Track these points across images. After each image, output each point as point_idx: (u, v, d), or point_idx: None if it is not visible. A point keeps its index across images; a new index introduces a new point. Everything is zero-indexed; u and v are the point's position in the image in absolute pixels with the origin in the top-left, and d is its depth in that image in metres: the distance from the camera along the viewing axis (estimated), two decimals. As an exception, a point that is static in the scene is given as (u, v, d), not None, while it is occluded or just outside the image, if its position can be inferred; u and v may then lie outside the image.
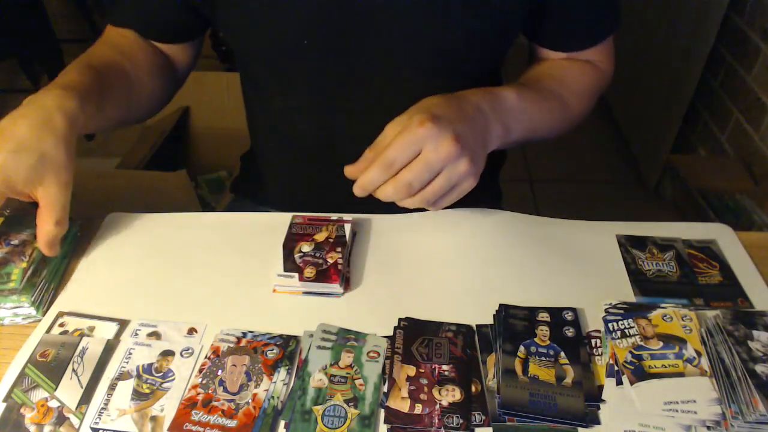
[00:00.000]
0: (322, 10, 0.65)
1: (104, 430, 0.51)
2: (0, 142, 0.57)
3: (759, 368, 0.52)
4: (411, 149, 0.55)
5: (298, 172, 0.85)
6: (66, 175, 0.59)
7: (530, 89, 0.69)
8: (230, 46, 0.80)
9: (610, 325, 0.58)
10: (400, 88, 0.71)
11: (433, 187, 0.56)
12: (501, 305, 0.61)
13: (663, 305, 0.60)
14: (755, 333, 0.55)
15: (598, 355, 0.57)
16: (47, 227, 0.59)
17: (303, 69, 0.72)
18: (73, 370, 0.55)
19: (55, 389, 0.54)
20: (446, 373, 0.55)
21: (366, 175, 0.56)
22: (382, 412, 0.52)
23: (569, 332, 0.58)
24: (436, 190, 0.56)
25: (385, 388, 0.54)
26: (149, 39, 0.77)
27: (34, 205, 0.61)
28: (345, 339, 0.58)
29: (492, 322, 0.60)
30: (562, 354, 0.56)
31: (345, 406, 0.52)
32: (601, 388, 0.54)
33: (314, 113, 0.76)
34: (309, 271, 0.63)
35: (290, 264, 0.65)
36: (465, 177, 0.57)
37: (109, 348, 0.58)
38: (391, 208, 0.61)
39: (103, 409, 0.52)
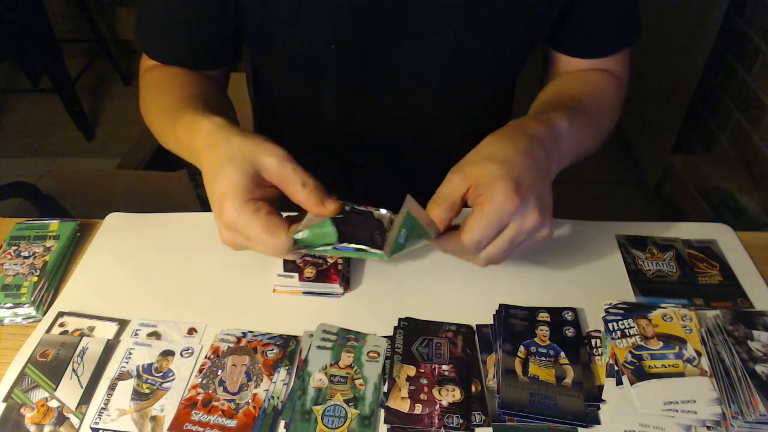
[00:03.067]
0: (353, 12, 0.64)
1: (104, 430, 0.51)
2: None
3: (759, 368, 0.52)
4: (498, 229, 0.51)
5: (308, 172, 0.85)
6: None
7: (578, 114, 0.64)
8: (254, 52, 0.77)
9: (610, 325, 0.58)
10: (425, 95, 0.71)
11: (512, 253, 0.53)
12: (501, 305, 0.61)
13: (663, 305, 0.60)
14: (755, 333, 0.55)
15: (598, 355, 0.57)
16: (298, 197, 0.52)
17: (329, 73, 0.70)
18: (73, 370, 0.55)
19: (55, 389, 0.54)
20: (446, 373, 0.55)
21: (454, 251, 0.53)
22: (382, 412, 0.52)
23: (569, 332, 0.58)
24: (515, 253, 0.54)
25: (385, 388, 0.54)
26: (200, 69, 0.72)
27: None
28: (345, 339, 0.58)
29: (492, 322, 0.60)
30: (562, 354, 0.56)
31: (345, 406, 0.52)
32: (601, 388, 0.54)
33: (335, 117, 0.75)
34: (309, 271, 0.63)
35: (290, 264, 0.65)
36: (544, 239, 0.54)
37: (109, 348, 0.58)
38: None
39: (103, 409, 0.52)
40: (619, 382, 0.54)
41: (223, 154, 0.51)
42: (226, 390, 0.54)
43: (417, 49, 0.67)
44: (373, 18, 0.64)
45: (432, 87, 0.71)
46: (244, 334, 0.59)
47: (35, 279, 0.63)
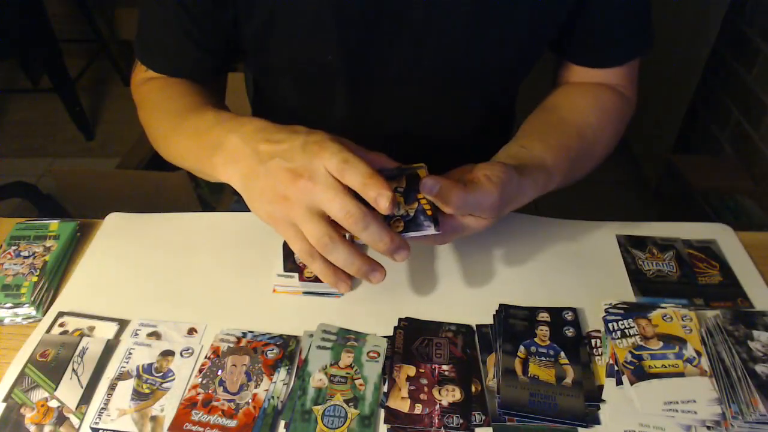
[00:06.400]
0: (352, 20, 0.63)
1: (104, 430, 0.51)
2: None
3: (759, 368, 0.52)
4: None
5: None
6: None
7: (573, 158, 0.65)
8: (253, 62, 0.76)
9: (610, 325, 0.58)
10: (424, 101, 0.71)
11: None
12: (501, 305, 0.61)
13: (663, 305, 0.60)
14: (755, 333, 0.55)
15: (598, 355, 0.57)
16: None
17: (329, 82, 0.70)
18: (73, 370, 0.56)
19: (55, 389, 0.54)
20: (446, 373, 0.55)
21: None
22: (382, 412, 0.52)
23: (569, 332, 0.58)
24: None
25: (385, 388, 0.54)
26: (203, 80, 0.73)
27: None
28: (345, 339, 0.58)
29: (492, 322, 0.60)
30: (562, 354, 0.56)
31: (345, 406, 0.52)
32: (601, 388, 0.54)
33: (337, 124, 0.75)
34: (309, 271, 0.63)
35: (290, 264, 0.65)
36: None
37: (109, 348, 0.58)
38: None
39: (103, 409, 0.52)
40: (619, 382, 0.54)
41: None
42: (226, 390, 0.54)
43: (420, 53, 0.66)
44: (375, 25, 0.64)
45: (436, 90, 0.71)
46: (244, 334, 0.59)
47: (35, 279, 0.63)
